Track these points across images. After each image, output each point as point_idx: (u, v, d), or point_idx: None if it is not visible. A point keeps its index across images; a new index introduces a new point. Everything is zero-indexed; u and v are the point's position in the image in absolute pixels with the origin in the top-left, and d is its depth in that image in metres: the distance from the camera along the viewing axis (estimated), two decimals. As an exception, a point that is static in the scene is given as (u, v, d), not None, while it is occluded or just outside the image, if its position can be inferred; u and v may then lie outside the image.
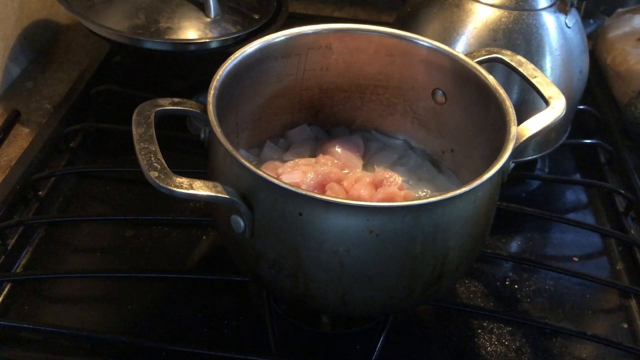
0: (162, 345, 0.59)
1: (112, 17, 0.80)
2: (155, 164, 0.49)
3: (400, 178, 0.63)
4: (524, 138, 0.55)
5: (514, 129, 0.54)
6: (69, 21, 1.02)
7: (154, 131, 0.51)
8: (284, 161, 0.66)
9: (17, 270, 0.66)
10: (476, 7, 0.75)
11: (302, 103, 0.69)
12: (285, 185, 0.48)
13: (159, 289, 0.65)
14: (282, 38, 0.62)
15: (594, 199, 0.83)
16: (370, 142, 0.71)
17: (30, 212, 0.71)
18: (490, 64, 0.64)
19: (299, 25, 0.64)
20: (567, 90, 0.76)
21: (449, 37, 0.75)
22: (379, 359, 0.59)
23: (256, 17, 0.86)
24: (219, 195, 0.49)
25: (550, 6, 0.76)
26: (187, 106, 0.56)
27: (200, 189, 0.48)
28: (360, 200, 0.58)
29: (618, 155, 0.86)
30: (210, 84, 0.55)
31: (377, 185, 0.62)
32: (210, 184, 0.49)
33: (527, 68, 0.62)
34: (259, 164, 0.65)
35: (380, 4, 1.15)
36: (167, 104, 0.55)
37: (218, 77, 0.56)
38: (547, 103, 0.59)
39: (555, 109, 0.58)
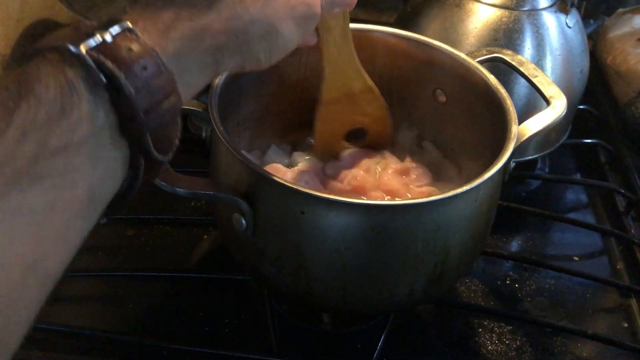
0: (163, 343, 0.59)
1: (114, 16, 0.80)
2: (157, 163, 0.49)
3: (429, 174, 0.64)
4: (525, 137, 0.55)
5: (515, 128, 0.54)
6: (71, 21, 1.02)
7: (155, 130, 0.52)
8: (286, 165, 0.66)
9: (19, 269, 0.66)
10: (477, 7, 0.76)
11: (304, 102, 0.69)
12: (286, 184, 0.48)
13: (160, 288, 0.65)
14: (284, 37, 0.62)
15: (594, 199, 0.83)
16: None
17: (32, 211, 0.71)
18: (491, 64, 0.64)
19: (300, 25, 0.64)
20: (568, 90, 0.76)
21: (449, 36, 0.76)
22: (380, 357, 0.59)
23: (257, 16, 0.86)
24: (221, 193, 0.49)
25: (550, 6, 0.76)
26: (189, 105, 0.56)
27: (202, 187, 0.48)
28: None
29: (618, 155, 0.86)
30: (212, 83, 0.55)
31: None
32: (212, 182, 0.49)
33: (528, 68, 0.62)
34: (261, 166, 0.65)
35: (381, 4, 1.15)
36: (168, 103, 0.55)
37: (220, 76, 0.56)
38: (547, 102, 0.59)
39: (556, 108, 0.58)
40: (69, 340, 0.59)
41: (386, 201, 0.57)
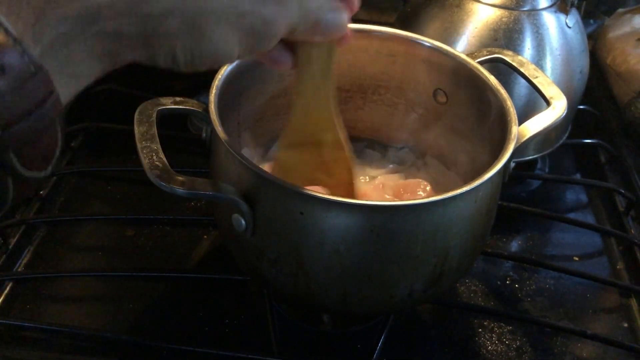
0: (163, 344, 0.59)
1: (114, 16, 0.80)
2: (157, 163, 0.49)
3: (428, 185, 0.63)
4: (525, 138, 0.55)
5: (515, 129, 0.54)
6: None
7: (155, 130, 0.52)
8: None
9: (19, 269, 0.66)
10: (477, 7, 0.76)
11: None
12: (286, 184, 0.48)
13: (160, 288, 0.65)
14: (284, 37, 0.62)
15: (594, 199, 0.83)
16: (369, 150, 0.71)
17: (32, 211, 0.71)
18: (491, 64, 0.64)
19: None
20: (568, 90, 0.76)
21: (449, 37, 0.76)
22: (380, 358, 0.59)
23: (257, 16, 0.86)
24: (220, 194, 0.49)
25: (550, 6, 0.76)
26: (188, 105, 0.56)
27: (202, 187, 0.48)
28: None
29: (618, 155, 0.86)
30: (212, 83, 0.55)
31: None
32: (212, 182, 0.49)
33: (528, 68, 0.62)
34: (261, 165, 0.65)
35: (381, 5, 1.15)
36: (169, 103, 0.55)
37: (220, 77, 0.56)
38: (548, 103, 0.59)
39: (556, 109, 0.58)
40: (69, 340, 0.59)
41: (386, 202, 0.57)
